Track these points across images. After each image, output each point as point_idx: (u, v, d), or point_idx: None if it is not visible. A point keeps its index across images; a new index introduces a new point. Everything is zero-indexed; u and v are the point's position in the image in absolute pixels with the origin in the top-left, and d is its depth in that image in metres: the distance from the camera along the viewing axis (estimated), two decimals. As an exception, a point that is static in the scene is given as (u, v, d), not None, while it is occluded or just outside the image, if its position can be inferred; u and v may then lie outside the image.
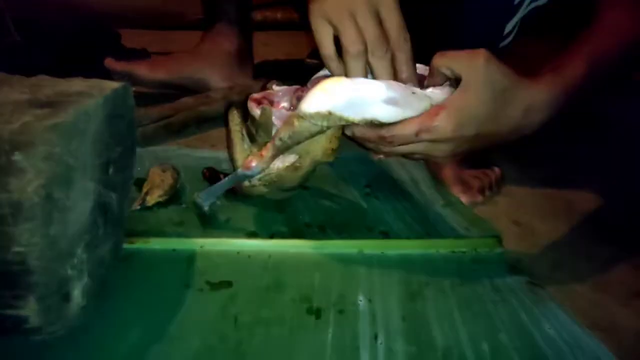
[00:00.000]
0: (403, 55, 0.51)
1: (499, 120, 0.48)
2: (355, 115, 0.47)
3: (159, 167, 0.62)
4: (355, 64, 0.49)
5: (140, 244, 0.52)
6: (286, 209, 0.61)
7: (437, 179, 0.70)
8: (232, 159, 0.59)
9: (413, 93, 0.47)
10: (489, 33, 0.65)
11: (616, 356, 0.43)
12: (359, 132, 0.49)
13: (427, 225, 0.60)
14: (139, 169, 0.61)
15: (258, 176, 0.56)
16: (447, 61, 0.48)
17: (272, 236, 0.56)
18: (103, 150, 0.41)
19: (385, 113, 0.47)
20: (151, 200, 0.58)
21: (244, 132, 0.58)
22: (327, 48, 0.51)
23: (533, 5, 0.69)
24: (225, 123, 0.60)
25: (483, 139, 0.49)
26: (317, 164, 0.56)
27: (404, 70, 0.51)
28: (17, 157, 0.33)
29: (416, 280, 0.51)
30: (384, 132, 0.47)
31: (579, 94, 0.51)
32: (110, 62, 0.90)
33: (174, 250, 0.52)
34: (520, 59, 0.58)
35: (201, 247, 0.53)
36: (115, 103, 0.43)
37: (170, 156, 0.70)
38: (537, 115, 0.49)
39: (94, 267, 0.41)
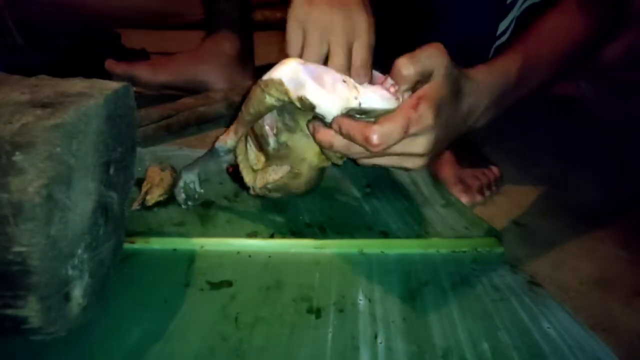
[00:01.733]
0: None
1: (456, 109, 0.48)
2: (294, 91, 0.47)
3: (157, 166, 0.62)
4: None
5: (140, 244, 0.52)
6: (286, 209, 0.61)
7: (436, 179, 0.70)
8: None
9: (344, 81, 0.47)
10: (481, 33, 0.65)
11: (617, 356, 0.43)
12: (345, 133, 0.47)
13: (427, 225, 0.60)
14: (139, 169, 0.61)
15: (264, 186, 0.57)
16: (421, 60, 0.46)
17: (272, 236, 0.56)
18: (104, 150, 0.41)
19: (312, 92, 0.46)
20: (151, 199, 0.58)
21: (248, 145, 0.59)
22: (294, 52, 0.53)
23: (528, 3, 0.69)
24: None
25: (449, 131, 0.49)
26: (318, 168, 0.57)
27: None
28: (17, 157, 0.33)
29: (416, 280, 0.51)
30: (370, 133, 0.44)
31: (516, 90, 0.53)
32: (110, 65, 0.90)
33: (174, 250, 0.52)
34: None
35: (201, 246, 0.53)
36: (116, 103, 0.43)
37: (170, 156, 0.70)
38: (478, 107, 0.50)
39: (95, 267, 0.41)
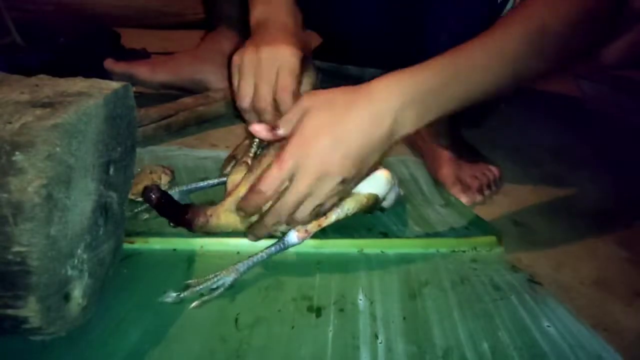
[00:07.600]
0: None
1: (345, 129, 0.48)
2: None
3: (148, 167, 0.62)
4: (247, 115, 0.58)
5: (140, 244, 0.52)
6: (286, 208, 0.61)
7: (436, 180, 0.70)
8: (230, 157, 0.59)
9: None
10: (470, 34, 0.64)
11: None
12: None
13: (426, 225, 0.60)
14: (139, 169, 0.61)
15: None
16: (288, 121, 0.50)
17: (272, 236, 0.56)
18: (103, 150, 0.41)
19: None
20: (135, 192, 0.57)
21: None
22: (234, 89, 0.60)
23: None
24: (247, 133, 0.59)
25: (348, 149, 0.48)
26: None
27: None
28: (17, 157, 0.33)
29: (416, 280, 0.51)
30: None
31: (447, 90, 0.50)
32: (110, 64, 0.90)
33: (174, 250, 0.52)
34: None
35: (201, 247, 0.53)
36: (116, 103, 0.43)
37: (170, 156, 0.70)
38: (387, 110, 0.48)
39: (95, 267, 0.41)
